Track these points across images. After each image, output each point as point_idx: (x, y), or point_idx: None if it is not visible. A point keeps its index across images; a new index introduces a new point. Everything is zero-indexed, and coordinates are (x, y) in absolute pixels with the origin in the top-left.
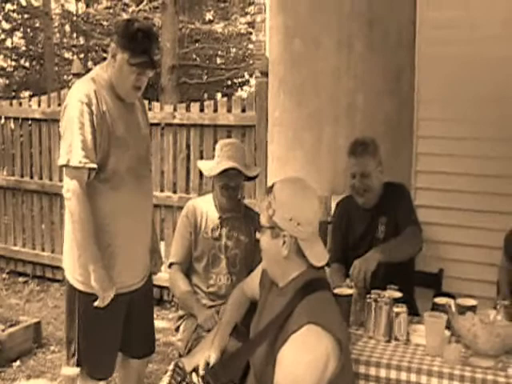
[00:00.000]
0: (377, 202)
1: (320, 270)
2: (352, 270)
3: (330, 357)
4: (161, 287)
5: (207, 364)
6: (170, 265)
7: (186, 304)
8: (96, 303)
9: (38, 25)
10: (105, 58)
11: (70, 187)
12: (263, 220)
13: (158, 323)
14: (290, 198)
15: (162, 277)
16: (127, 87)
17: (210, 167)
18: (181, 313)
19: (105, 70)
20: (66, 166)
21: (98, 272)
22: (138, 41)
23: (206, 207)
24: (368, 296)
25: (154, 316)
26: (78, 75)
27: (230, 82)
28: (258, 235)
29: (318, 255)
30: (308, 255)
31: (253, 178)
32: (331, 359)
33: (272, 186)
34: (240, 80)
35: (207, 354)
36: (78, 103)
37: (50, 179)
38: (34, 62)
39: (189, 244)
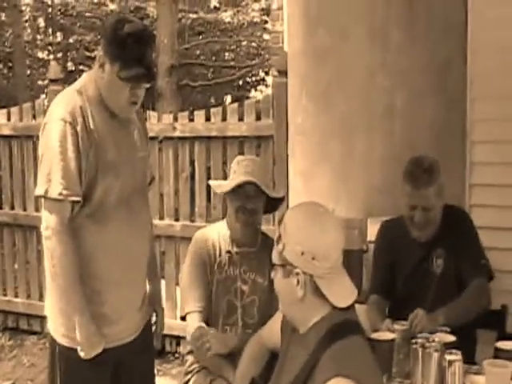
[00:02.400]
0: (434, 233)
1: (348, 311)
2: (412, 317)
3: None
4: (162, 336)
5: None
6: (184, 317)
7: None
8: (81, 353)
9: (4, 19)
10: (88, 58)
11: (49, 224)
12: (275, 257)
13: (160, 381)
14: (301, 227)
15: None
16: (121, 103)
17: (222, 184)
18: (189, 367)
19: (93, 80)
20: (44, 197)
21: (84, 324)
22: (129, 49)
23: (218, 236)
24: (414, 341)
25: (155, 372)
26: (56, 81)
27: (241, 82)
28: (272, 274)
29: (342, 293)
30: (328, 295)
31: (276, 205)
32: None
33: (283, 217)
34: (254, 79)
35: None
36: (59, 122)
37: (24, 209)
38: (0, 65)
39: (207, 284)
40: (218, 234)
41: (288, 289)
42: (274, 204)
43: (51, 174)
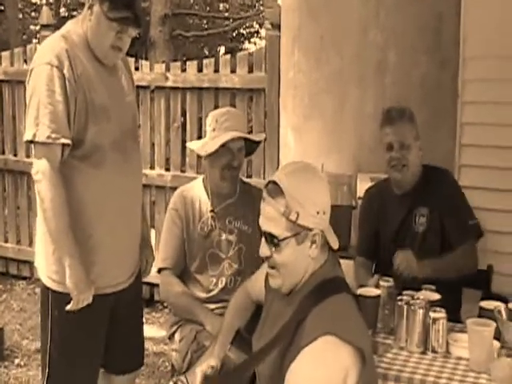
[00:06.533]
0: (415, 186)
1: (336, 268)
2: (395, 259)
3: (350, 372)
4: (151, 285)
5: (205, 376)
6: (159, 270)
7: (186, 310)
8: (68, 306)
9: None
10: (82, 4)
11: (39, 168)
12: (280, 231)
13: (148, 329)
14: (309, 189)
15: (153, 272)
16: (105, 47)
17: (203, 144)
18: (174, 319)
19: (79, 24)
20: (33, 142)
21: (74, 268)
22: None
23: (199, 195)
24: (399, 298)
25: (143, 321)
26: (48, 27)
27: (235, 34)
28: (266, 253)
29: (333, 235)
30: (331, 242)
31: (255, 148)
32: (351, 374)
33: (275, 187)
34: (248, 31)
35: (205, 363)
36: (46, 66)
37: (15, 154)
38: None
39: (181, 243)
40: (197, 193)
41: (301, 255)
42: (253, 147)
43: (39, 118)
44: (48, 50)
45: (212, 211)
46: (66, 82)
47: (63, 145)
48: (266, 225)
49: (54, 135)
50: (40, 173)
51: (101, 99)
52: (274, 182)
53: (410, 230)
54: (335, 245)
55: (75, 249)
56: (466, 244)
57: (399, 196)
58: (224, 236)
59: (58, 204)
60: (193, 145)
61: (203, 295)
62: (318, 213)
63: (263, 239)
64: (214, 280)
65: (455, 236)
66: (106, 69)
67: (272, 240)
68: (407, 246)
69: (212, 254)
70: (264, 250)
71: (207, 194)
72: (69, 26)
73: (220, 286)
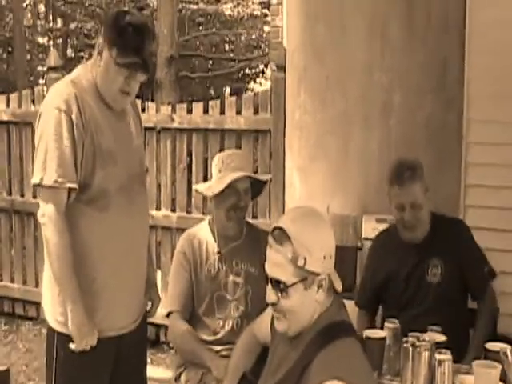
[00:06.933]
0: (426, 236)
1: (341, 311)
2: None
3: None
4: (157, 325)
5: None
6: (168, 314)
7: (192, 353)
8: (71, 346)
9: (4, 3)
10: (88, 46)
11: (45, 211)
12: (288, 277)
13: (154, 370)
14: (315, 234)
15: (159, 313)
16: (114, 91)
17: (209, 186)
18: (180, 361)
19: (89, 69)
20: (40, 185)
21: (76, 313)
22: (129, 37)
23: (205, 238)
24: (404, 340)
25: (148, 361)
26: (56, 69)
27: (240, 74)
28: (273, 299)
29: (337, 277)
30: (336, 285)
31: (261, 189)
32: None
33: (281, 233)
34: (253, 71)
35: None
36: (54, 111)
37: (22, 195)
38: (0, 49)
39: (189, 286)
40: (204, 235)
41: (308, 300)
42: (259, 188)
43: (47, 162)
44: (57, 94)
45: (219, 253)
46: (74, 126)
47: (69, 189)
48: (272, 271)
49: (60, 179)
50: (46, 216)
51: (107, 144)
52: (280, 228)
53: (423, 280)
54: (339, 287)
55: (78, 293)
56: (486, 293)
57: (409, 245)
58: (231, 278)
59: (62, 248)
60: (199, 187)
61: (210, 338)
62: (324, 257)
63: (269, 285)
64: (221, 323)
65: (475, 286)
66: (114, 113)
67: (279, 286)
68: (421, 297)
69: (219, 296)
70: (271, 296)
71: (213, 235)
72: (78, 70)
73: (227, 328)
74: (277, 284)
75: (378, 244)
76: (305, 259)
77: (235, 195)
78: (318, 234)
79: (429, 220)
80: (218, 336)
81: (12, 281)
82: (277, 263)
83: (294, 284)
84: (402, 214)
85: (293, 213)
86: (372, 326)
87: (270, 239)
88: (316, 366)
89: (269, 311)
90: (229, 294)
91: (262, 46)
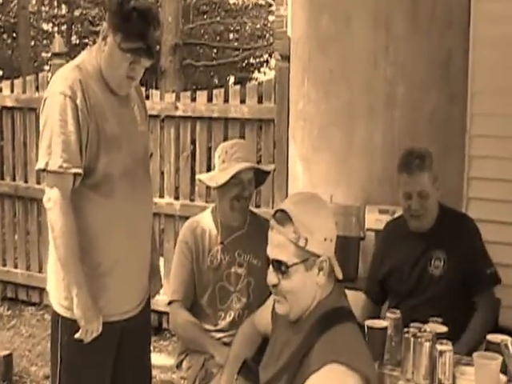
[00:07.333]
0: (432, 227)
1: (342, 297)
2: None
3: None
4: (159, 313)
5: None
6: (170, 302)
7: (194, 341)
8: (77, 335)
9: None
10: (93, 32)
11: (50, 196)
12: (289, 257)
13: (156, 357)
14: (317, 216)
15: (161, 300)
16: (118, 77)
17: (213, 176)
18: (182, 348)
19: (93, 55)
20: (45, 170)
21: (81, 298)
22: (133, 22)
23: (208, 227)
24: (406, 330)
25: (151, 348)
26: (60, 55)
27: (245, 64)
28: (274, 280)
29: (337, 265)
30: (336, 271)
31: (264, 179)
32: None
33: (283, 215)
34: (258, 60)
35: None
36: (59, 96)
37: (25, 181)
38: (4, 35)
39: (191, 276)
40: (206, 225)
41: (309, 282)
42: (263, 178)
43: (51, 148)
44: (62, 79)
45: (221, 243)
46: (79, 112)
47: (75, 174)
48: (274, 252)
49: (65, 165)
50: (51, 201)
51: (112, 129)
52: (282, 211)
53: (426, 272)
54: (339, 274)
55: (83, 278)
56: (484, 296)
57: (415, 235)
58: (233, 269)
59: (68, 233)
60: (203, 177)
61: (211, 328)
62: (325, 239)
63: (270, 268)
64: (223, 314)
65: (473, 285)
66: (118, 99)
67: (280, 267)
68: (422, 288)
69: (221, 287)
70: (271, 277)
71: (216, 225)
72: (83, 56)
73: (228, 319)
74: (278, 265)
75: (387, 233)
76: (306, 239)
77: (239, 186)
78: (319, 217)
79: (436, 210)
80: (219, 327)
81: (15, 266)
82: (278, 244)
83: (294, 264)
84: (408, 202)
85: (295, 197)
86: (377, 316)
87: (272, 221)
88: (317, 350)
89: (269, 303)
90: (231, 285)
91: (267, 35)
